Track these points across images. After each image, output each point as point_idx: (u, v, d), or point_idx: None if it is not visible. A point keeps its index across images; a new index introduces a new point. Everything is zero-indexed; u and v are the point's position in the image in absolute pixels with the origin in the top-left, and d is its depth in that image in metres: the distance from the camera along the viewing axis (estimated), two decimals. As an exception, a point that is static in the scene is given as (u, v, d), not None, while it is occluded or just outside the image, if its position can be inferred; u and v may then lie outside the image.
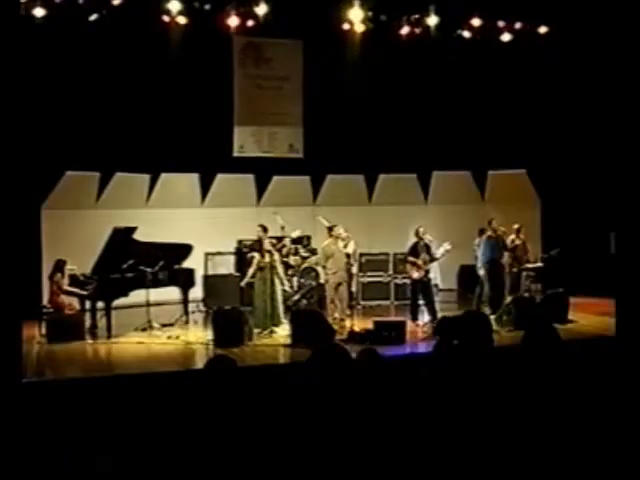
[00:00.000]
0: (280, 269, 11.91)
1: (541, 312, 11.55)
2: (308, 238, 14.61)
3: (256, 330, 11.25)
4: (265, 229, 11.89)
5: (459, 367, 4.16)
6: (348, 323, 11.68)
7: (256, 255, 11.73)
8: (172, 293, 13.07)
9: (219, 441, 3.72)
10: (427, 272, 12.18)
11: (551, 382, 4.00)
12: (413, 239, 12.29)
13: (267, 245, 11.69)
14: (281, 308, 11.88)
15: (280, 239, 12.74)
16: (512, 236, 13.04)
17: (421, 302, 12.43)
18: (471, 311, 5.19)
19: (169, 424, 3.97)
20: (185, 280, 12.78)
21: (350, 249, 12.29)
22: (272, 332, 11.47)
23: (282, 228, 12.81)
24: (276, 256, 11.79)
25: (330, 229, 12.05)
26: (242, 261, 14.13)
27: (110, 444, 4.47)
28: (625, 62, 7.30)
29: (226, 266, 14.71)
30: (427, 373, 4.24)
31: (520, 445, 3.73)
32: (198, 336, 11.34)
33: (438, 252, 12.14)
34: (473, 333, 4.49)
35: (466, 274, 14.90)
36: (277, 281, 11.84)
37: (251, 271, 11.75)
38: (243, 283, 12.25)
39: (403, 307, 13.77)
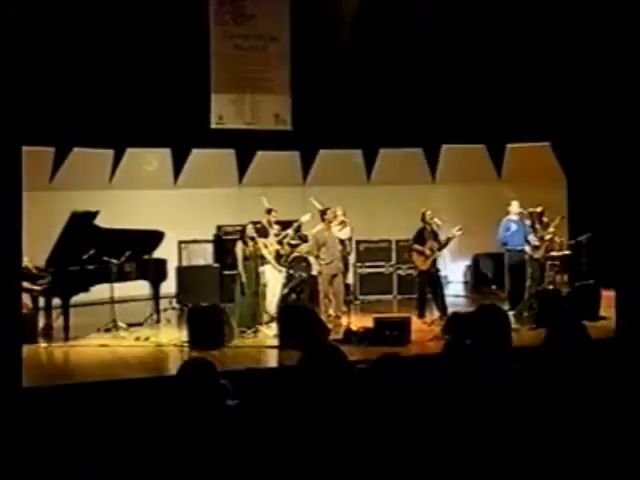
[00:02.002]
0: (270, 256, 11.92)
1: (568, 307, 11.59)
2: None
3: (239, 330, 11.27)
4: (270, 211, 12.26)
5: (472, 371, 4.17)
6: (344, 321, 11.70)
7: (239, 244, 11.74)
8: (140, 288, 13.06)
9: (194, 457, 3.74)
10: (435, 262, 12.21)
11: (578, 387, 4.02)
12: (419, 224, 12.32)
13: (251, 232, 11.70)
14: (272, 304, 11.95)
15: (287, 225, 12.77)
16: (534, 218, 13.00)
17: (429, 296, 12.46)
18: (486, 306, 5.19)
19: (138, 438, 3.98)
20: (155, 273, 12.78)
21: (345, 234, 12.30)
22: (257, 332, 11.49)
23: (268, 212, 12.81)
24: (261, 244, 11.80)
25: (323, 213, 12.06)
26: (222, 250, 14.15)
27: (69, 464, 4.48)
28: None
29: (203, 256, 14.72)
30: (436, 378, 4.26)
31: (541, 458, 3.76)
32: (171, 337, 11.34)
33: (448, 238, 12.17)
34: (488, 331, 4.50)
35: (480, 264, 14.96)
36: (266, 273, 11.88)
37: (240, 261, 11.68)
38: (243, 278, 11.87)
39: (408, 302, 13.81)
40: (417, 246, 12.21)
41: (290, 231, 12.68)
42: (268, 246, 12.09)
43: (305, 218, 12.79)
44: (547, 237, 12.73)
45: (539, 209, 12.98)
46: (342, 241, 12.20)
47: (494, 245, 13.11)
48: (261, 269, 11.90)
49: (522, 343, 8.43)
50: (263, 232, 12.25)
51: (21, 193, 6.16)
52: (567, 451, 3.80)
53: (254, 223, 12.10)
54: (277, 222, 12.82)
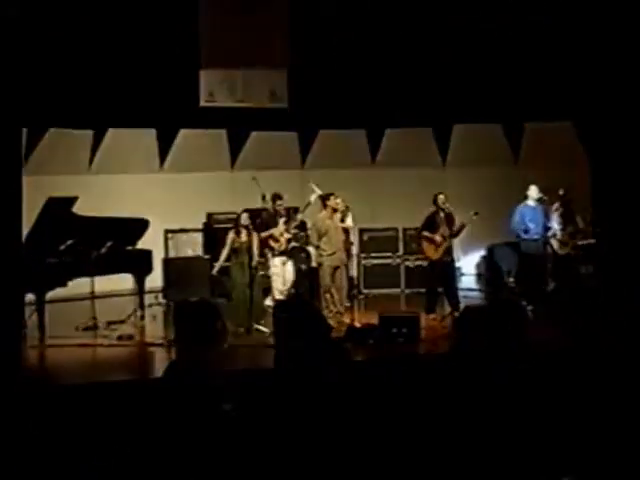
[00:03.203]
0: (256, 252, 11.88)
1: (592, 302, 11.61)
2: (296, 210, 14.61)
3: (232, 327, 11.29)
4: (278, 197, 12.41)
5: (485, 370, 4.19)
6: (347, 317, 11.72)
7: (230, 234, 11.74)
8: (123, 282, 13.08)
9: (183, 465, 3.75)
10: (450, 251, 12.18)
11: (604, 390, 4.03)
12: (431, 208, 12.26)
13: (245, 220, 11.70)
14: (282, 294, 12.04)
15: (290, 211, 12.81)
16: (555, 204, 12.99)
17: (440, 290, 12.46)
18: (501, 300, 5.20)
19: (120, 448, 3.99)
20: (140, 265, 12.79)
21: (348, 223, 12.30)
22: (252, 329, 11.51)
23: (263, 198, 12.81)
24: (254, 235, 11.80)
25: (324, 199, 12.05)
26: (213, 240, 14.15)
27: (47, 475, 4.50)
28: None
29: (192, 247, 14.72)
30: (445, 378, 4.28)
31: (553, 458, 3.78)
32: (157, 336, 11.37)
33: (462, 223, 12.15)
34: (503, 328, 4.52)
35: (495, 255, 14.96)
36: (276, 263, 11.96)
37: (224, 253, 11.76)
38: (215, 270, 12.18)
39: (416, 297, 13.82)
40: (426, 233, 12.16)
41: (299, 216, 12.74)
42: (279, 237, 12.25)
43: (313, 197, 12.69)
44: (578, 240, 12.72)
45: (561, 191, 12.88)
46: (346, 230, 12.20)
47: (511, 234, 13.10)
48: (272, 261, 12.20)
49: (541, 341, 8.47)
50: (272, 221, 12.29)
51: (21, 196, 6.25)
52: (584, 453, 3.82)
53: (257, 210, 12.12)
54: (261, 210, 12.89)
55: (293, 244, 13.57)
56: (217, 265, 11.93)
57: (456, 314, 11.54)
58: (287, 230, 12.54)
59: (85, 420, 6.50)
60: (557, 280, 12.49)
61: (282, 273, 12.53)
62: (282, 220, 12.45)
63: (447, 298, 12.29)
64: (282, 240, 12.38)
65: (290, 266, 12.75)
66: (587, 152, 16.12)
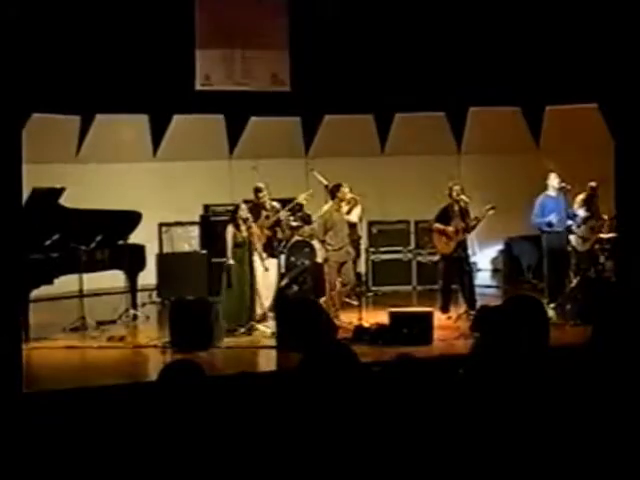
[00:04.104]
0: (259, 246, 11.88)
1: (618, 299, 11.58)
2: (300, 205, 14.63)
3: (230, 328, 11.31)
4: (258, 190, 12.21)
5: (504, 374, 4.19)
6: (355, 316, 11.72)
7: (229, 228, 11.72)
8: (114, 279, 13.09)
9: (178, 477, 3.76)
10: (464, 245, 12.18)
11: (630, 394, 4.03)
12: (446, 200, 12.26)
13: (244, 212, 11.69)
14: (268, 299, 11.97)
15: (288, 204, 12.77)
16: (580, 196, 12.93)
17: (454, 286, 12.46)
18: (520, 298, 5.19)
19: (112, 455, 4.00)
20: (132, 261, 12.80)
21: (355, 216, 12.29)
22: (252, 330, 11.52)
23: (256, 192, 12.80)
24: (255, 228, 11.78)
25: (331, 189, 12.04)
26: (210, 234, 14.16)
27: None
28: None
29: (188, 241, 14.74)
30: (462, 382, 4.28)
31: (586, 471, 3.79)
32: (151, 337, 11.38)
33: (477, 218, 12.15)
34: (523, 328, 4.51)
35: (513, 249, 14.95)
36: (259, 261, 11.87)
37: (229, 250, 11.68)
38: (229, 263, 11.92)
39: (429, 294, 13.83)
40: (438, 225, 12.17)
41: (282, 213, 12.52)
42: (258, 232, 12.04)
43: (302, 197, 12.74)
44: (602, 232, 12.67)
45: (593, 183, 12.79)
46: (354, 224, 12.20)
47: (530, 226, 13.08)
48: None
49: (564, 341, 8.47)
50: (255, 215, 12.25)
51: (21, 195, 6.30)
52: (613, 461, 3.83)
53: (247, 202, 12.11)
54: (274, 200, 12.82)
55: (297, 238, 13.58)
56: (230, 261, 11.72)
57: (472, 313, 11.55)
58: (272, 225, 12.36)
59: (72, 428, 6.51)
60: (581, 276, 12.44)
61: (262, 275, 12.30)
62: (264, 214, 12.33)
63: (462, 296, 12.30)
64: (261, 235, 12.16)
65: (273, 267, 12.46)
66: (613, 137, 16.07)
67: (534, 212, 12.63)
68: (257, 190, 12.36)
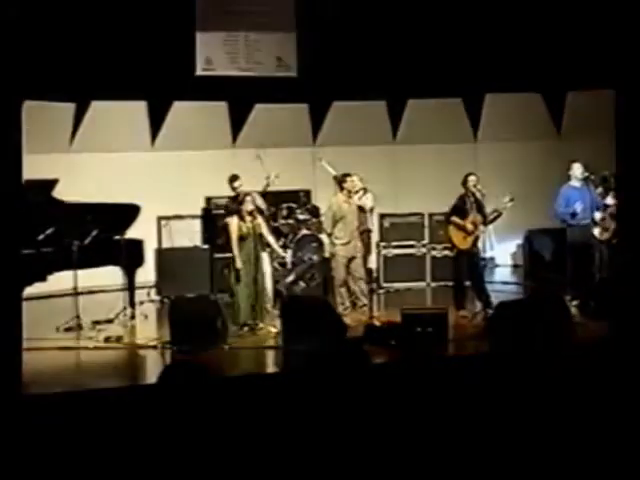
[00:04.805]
0: (270, 237, 11.91)
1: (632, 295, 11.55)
2: (307, 193, 14.62)
3: (234, 327, 11.33)
4: (235, 178, 12.27)
5: (523, 376, 4.20)
6: (365, 314, 11.74)
7: (233, 220, 11.71)
8: (111, 276, 13.12)
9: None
10: (476, 240, 12.18)
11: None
12: (458, 193, 12.27)
13: (249, 204, 11.67)
14: (270, 295, 11.96)
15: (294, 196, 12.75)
16: (600, 189, 12.91)
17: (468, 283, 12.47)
18: (541, 294, 5.21)
19: (110, 461, 4.03)
20: (129, 257, 12.81)
21: (370, 201, 12.31)
22: (257, 329, 11.54)
23: (267, 179, 12.84)
24: (260, 219, 11.78)
25: (340, 180, 12.04)
26: (212, 228, 14.17)
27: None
28: None
29: (189, 236, 14.75)
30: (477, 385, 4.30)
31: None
32: (150, 337, 11.40)
33: (495, 210, 12.14)
34: (545, 326, 4.53)
35: (534, 243, 14.94)
36: (265, 256, 11.89)
37: (235, 244, 11.64)
38: (238, 264, 11.84)
39: (444, 291, 13.82)
40: (456, 219, 12.16)
41: (249, 198, 12.22)
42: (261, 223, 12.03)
43: (272, 177, 12.69)
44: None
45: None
46: (362, 210, 12.19)
47: (552, 218, 13.06)
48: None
49: (587, 341, 8.47)
50: (232, 206, 12.23)
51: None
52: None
53: (248, 194, 12.08)
54: (267, 193, 12.83)
55: (304, 231, 13.59)
56: (237, 260, 11.57)
57: (489, 311, 11.55)
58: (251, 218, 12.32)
59: (66, 434, 6.54)
60: (606, 271, 12.42)
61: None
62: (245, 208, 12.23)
63: (475, 294, 12.28)
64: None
65: (268, 264, 12.41)
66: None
67: (557, 202, 12.59)
68: (232, 179, 12.42)
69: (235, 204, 12.12)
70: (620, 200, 9.88)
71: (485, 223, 12.20)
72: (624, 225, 10.17)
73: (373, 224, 13.44)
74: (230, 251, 11.76)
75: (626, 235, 9.65)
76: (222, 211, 13.40)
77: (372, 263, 13.69)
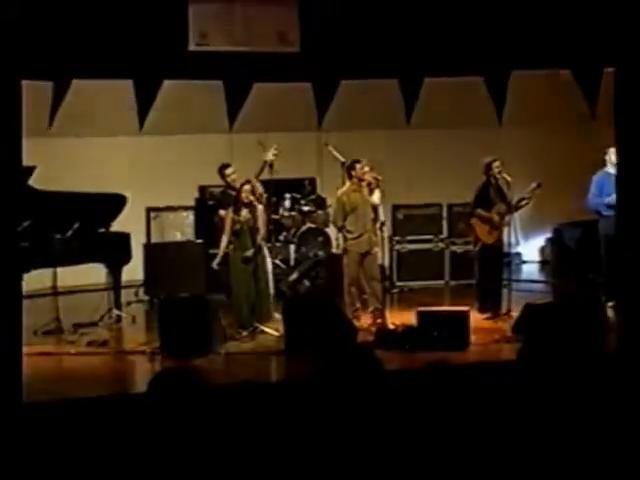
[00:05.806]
0: (263, 229, 11.87)
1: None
2: (312, 182, 14.63)
3: (231, 330, 11.34)
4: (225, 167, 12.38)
5: (554, 384, 4.19)
6: (377, 317, 11.76)
7: (228, 213, 11.71)
8: (94, 273, 13.14)
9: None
10: (501, 233, 12.17)
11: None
12: (482, 179, 12.24)
13: (247, 195, 11.65)
14: (271, 295, 11.98)
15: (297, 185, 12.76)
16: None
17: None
18: (573, 295, 5.22)
19: (95, 476, 4.03)
20: (115, 252, 12.85)
21: (377, 198, 12.31)
22: (257, 332, 11.56)
23: (270, 166, 12.82)
24: (260, 210, 11.74)
25: (350, 167, 12.02)
26: (207, 221, 14.18)
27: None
28: None
29: (181, 229, 14.77)
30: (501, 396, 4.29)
31: None
32: (137, 341, 11.43)
33: (521, 199, 12.12)
34: (577, 330, 4.52)
35: (564, 237, 14.94)
36: (266, 251, 11.91)
37: (225, 240, 11.69)
38: (215, 263, 12.01)
39: (464, 290, 13.83)
40: (481, 211, 12.13)
41: (259, 188, 12.21)
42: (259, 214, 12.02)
43: (270, 155, 12.46)
44: None
45: None
46: (374, 207, 12.20)
47: (585, 209, 13.06)
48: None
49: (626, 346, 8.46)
50: (224, 198, 12.25)
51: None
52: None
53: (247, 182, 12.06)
54: (268, 182, 12.77)
55: (309, 225, 13.60)
56: (218, 256, 11.78)
57: (513, 313, 11.53)
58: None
59: (47, 446, 6.55)
60: None
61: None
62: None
63: (489, 291, 12.26)
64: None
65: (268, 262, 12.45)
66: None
67: (591, 192, 12.60)
68: (223, 167, 12.47)
69: (228, 195, 12.10)
70: (621, 188, 9.85)
71: (510, 211, 12.13)
72: (625, 217, 10.23)
73: (385, 215, 13.41)
74: (229, 246, 11.73)
75: (626, 229, 9.69)
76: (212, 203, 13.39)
77: (384, 260, 13.65)
